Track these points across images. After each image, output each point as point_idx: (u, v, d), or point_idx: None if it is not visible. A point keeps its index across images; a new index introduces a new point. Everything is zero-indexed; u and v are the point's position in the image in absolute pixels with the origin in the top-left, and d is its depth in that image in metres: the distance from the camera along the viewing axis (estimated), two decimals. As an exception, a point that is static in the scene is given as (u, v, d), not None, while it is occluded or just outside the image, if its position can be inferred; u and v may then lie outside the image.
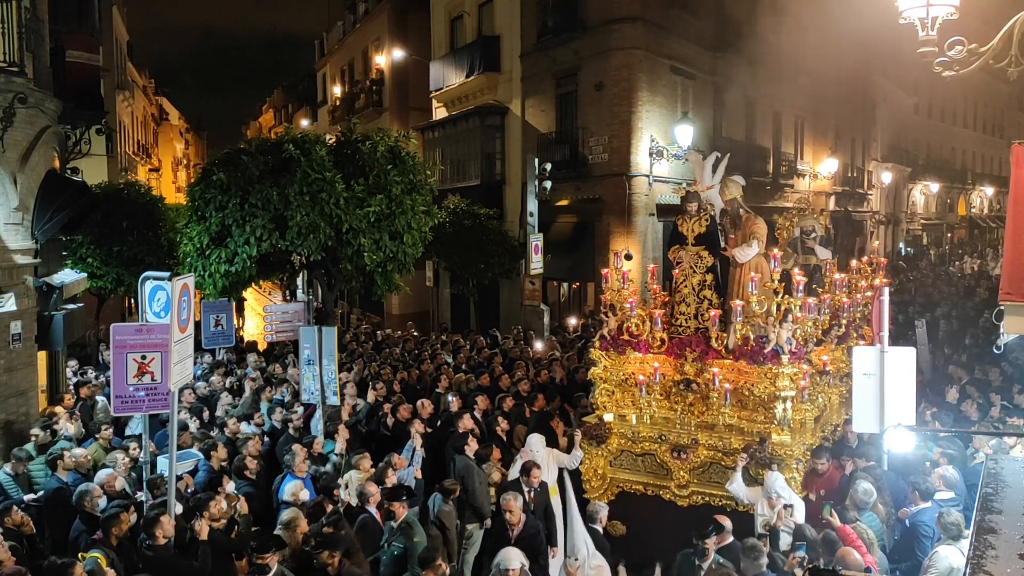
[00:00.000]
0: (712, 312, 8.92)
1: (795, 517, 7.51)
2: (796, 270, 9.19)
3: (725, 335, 8.77)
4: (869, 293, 11.13)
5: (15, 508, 7.55)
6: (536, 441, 9.20)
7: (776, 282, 8.57)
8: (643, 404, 9.05)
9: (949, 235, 52.72)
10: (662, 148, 21.84)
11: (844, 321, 10.05)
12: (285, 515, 7.57)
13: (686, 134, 21.50)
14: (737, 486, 8.14)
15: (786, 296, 8.56)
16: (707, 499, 8.65)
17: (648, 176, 21.61)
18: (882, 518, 7.91)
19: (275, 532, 7.43)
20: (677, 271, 9.58)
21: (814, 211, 11.57)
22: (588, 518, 7.82)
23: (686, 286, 9.40)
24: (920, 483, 7.72)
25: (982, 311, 19.41)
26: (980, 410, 10.93)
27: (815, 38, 30.75)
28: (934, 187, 49.88)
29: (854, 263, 11.63)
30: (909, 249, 45.46)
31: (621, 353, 9.29)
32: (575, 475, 9.30)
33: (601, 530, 7.87)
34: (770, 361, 8.31)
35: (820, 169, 33.40)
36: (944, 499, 7.61)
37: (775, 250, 9.10)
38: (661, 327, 9.19)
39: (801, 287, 8.50)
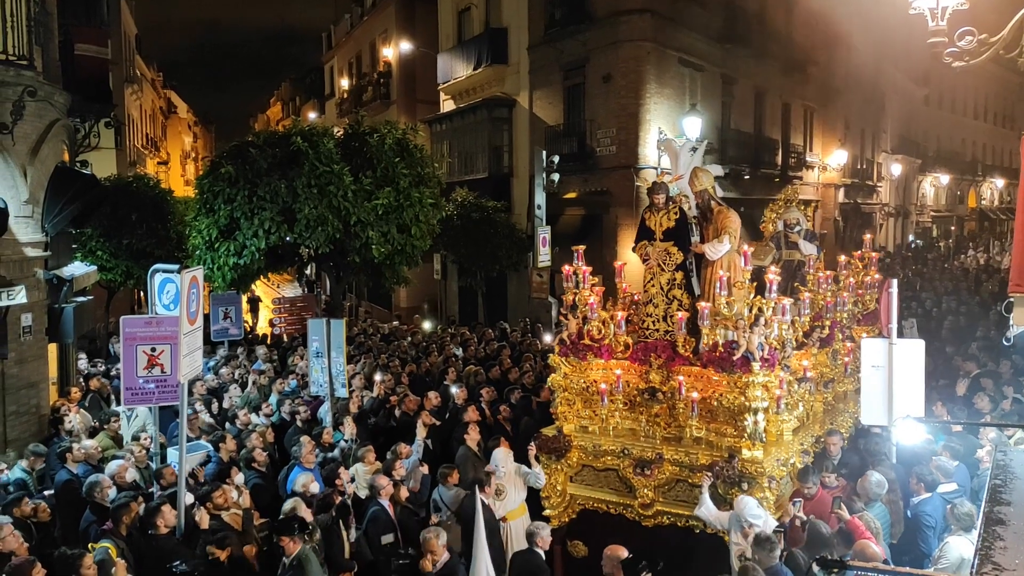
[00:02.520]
0: (679, 314, 8.15)
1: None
2: (773, 267, 8.50)
3: (693, 340, 8.04)
4: (860, 291, 10.42)
5: (26, 499, 7.61)
6: (501, 456, 8.59)
7: (747, 281, 7.89)
8: (604, 415, 8.25)
9: (953, 228, 52.34)
10: (670, 140, 21.74)
11: (828, 322, 9.19)
12: (286, 505, 7.58)
13: (694, 126, 21.37)
14: (706, 510, 7.36)
15: (758, 296, 7.82)
16: (673, 519, 7.92)
17: (656, 168, 21.52)
18: (898, 514, 7.88)
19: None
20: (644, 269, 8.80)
21: (799, 203, 10.71)
22: (527, 539, 7.21)
23: (654, 285, 8.60)
24: (925, 474, 7.70)
25: (990, 305, 19.27)
26: (991, 402, 10.87)
27: (824, 29, 30.62)
28: (944, 179, 49.62)
29: (842, 258, 10.73)
30: (918, 241, 45.23)
31: (582, 359, 8.47)
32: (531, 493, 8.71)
33: (542, 553, 7.21)
34: (740, 369, 7.49)
35: (829, 161, 33.26)
36: (948, 491, 7.60)
37: (746, 246, 8.43)
38: (624, 330, 8.42)
39: (774, 286, 7.72)
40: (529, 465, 8.55)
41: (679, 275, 8.50)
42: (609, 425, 8.25)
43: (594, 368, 8.43)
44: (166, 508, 7.11)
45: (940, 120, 49.50)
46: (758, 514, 6.78)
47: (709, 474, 7.43)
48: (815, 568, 4.74)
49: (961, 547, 6.43)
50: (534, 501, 8.74)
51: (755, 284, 7.94)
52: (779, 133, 29.12)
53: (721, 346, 7.68)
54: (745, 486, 7.26)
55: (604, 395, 8.15)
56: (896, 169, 41.60)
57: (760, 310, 7.68)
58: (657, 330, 8.53)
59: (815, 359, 8.80)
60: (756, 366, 7.41)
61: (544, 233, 20.14)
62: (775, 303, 7.73)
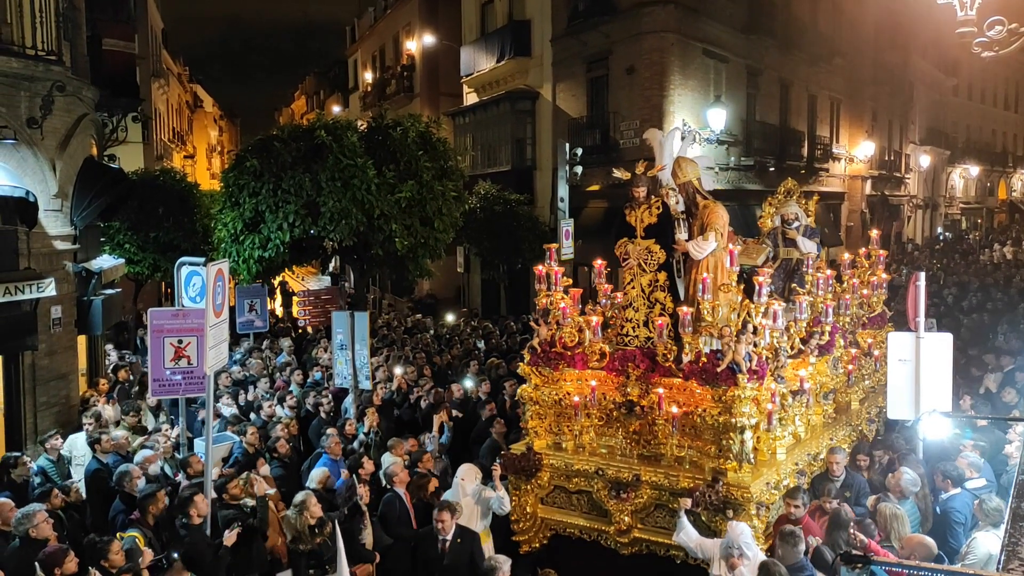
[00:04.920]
0: (659, 320, 7.32)
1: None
2: (765, 268, 7.75)
3: (676, 348, 7.21)
4: (866, 292, 9.61)
5: (55, 491, 7.73)
6: (468, 473, 7.84)
7: (734, 284, 7.14)
8: (578, 431, 7.48)
9: (980, 220, 51.52)
10: (694, 132, 21.61)
11: (827, 327, 8.27)
12: (297, 497, 7.53)
13: (719, 118, 21.27)
14: (685, 536, 6.57)
15: (745, 301, 7.04)
16: (653, 548, 7.12)
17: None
18: (927, 511, 7.78)
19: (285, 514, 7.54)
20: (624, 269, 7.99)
21: (800, 195, 9.67)
22: (486, 574, 6.46)
23: (634, 287, 7.79)
24: (950, 470, 7.62)
25: (1017, 302, 18.91)
26: (1020, 394, 10.75)
27: (851, 18, 30.27)
28: (974, 170, 48.90)
29: (846, 256, 9.86)
30: (947, 234, 44.63)
31: (554, 369, 7.65)
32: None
33: None
34: (725, 381, 6.68)
35: (856, 152, 32.88)
36: (976, 487, 7.52)
37: (734, 244, 7.71)
38: (601, 337, 7.61)
39: (764, 289, 6.97)
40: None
41: (662, 276, 7.74)
42: (582, 442, 7.52)
43: (567, 379, 7.64)
44: (199, 498, 7.17)
45: (969, 110, 48.78)
46: (751, 543, 6.13)
47: (687, 500, 6.67)
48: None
49: (989, 543, 6.35)
50: (504, 524, 7.98)
51: (743, 287, 7.24)
52: (805, 125, 28.81)
53: (704, 356, 6.93)
54: (730, 513, 6.57)
55: (578, 409, 7.38)
56: (924, 160, 41.06)
57: (748, 315, 6.91)
58: (637, 336, 7.75)
59: (813, 368, 8.02)
60: (743, 379, 6.65)
61: (567, 226, 20.10)
62: (765, 308, 7.00)
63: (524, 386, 7.96)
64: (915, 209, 41.78)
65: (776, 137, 26.37)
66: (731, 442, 6.74)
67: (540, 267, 7.96)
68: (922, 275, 8.83)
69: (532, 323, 8.09)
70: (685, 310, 7.09)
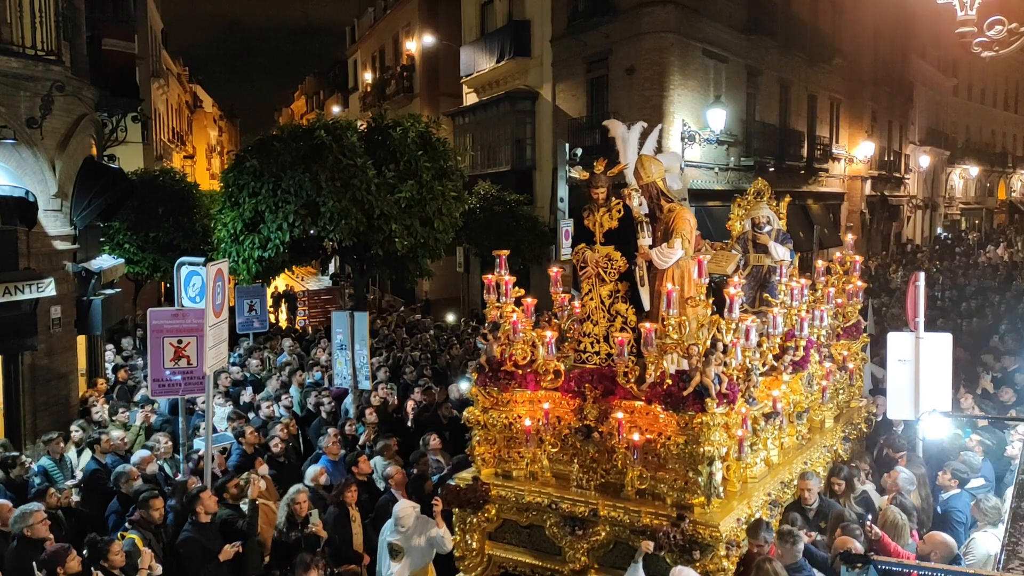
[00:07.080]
0: (620, 336, 6.44)
1: None
2: (736, 277, 6.94)
3: (639, 367, 6.38)
4: (840, 301, 8.79)
5: (51, 490, 7.72)
6: (405, 511, 7.21)
7: (702, 297, 6.46)
8: (529, 458, 6.75)
9: (977, 221, 51.46)
10: (694, 132, 21.65)
11: (802, 342, 7.46)
12: (291, 489, 7.61)
13: (718, 118, 21.28)
14: None
15: (715, 316, 6.36)
16: None
17: (680, 161, 21.40)
18: (928, 511, 7.77)
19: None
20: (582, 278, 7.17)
21: (771, 196, 8.82)
22: None
23: (593, 298, 7.02)
24: (960, 470, 7.62)
25: (1015, 305, 18.87)
26: (1019, 394, 10.77)
27: (851, 18, 30.30)
28: (973, 171, 48.91)
29: (820, 263, 9.10)
30: (947, 234, 44.61)
31: (504, 389, 6.83)
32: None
33: None
34: (691, 406, 5.92)
35: (856, 153, 32.89)
36: (974, 486, 7.53)
37: (702, 253, 6.99)
38: (556, 354, 6.79)
39: (736, 304, 6.22)
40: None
41: (623, 286, 6.94)
42: (534, 472, 6.80)
43: (518, 401, 6.85)
44: (206, 495, 7.15)
45: (969, 111, 48.81)
46: None
47: (649, 543, 5.85)
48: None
49: (988, 543, 6.36)
50: (449, 562, 7.35)
51: (712, 300, 6.58)
52: (805, 125, 28.84)
53: (669, 377, 6.17)
54: (697, 554, 5.79)
55: (529, 434, 6.63)
56: (924, 161, 41.06)
57: (718, 331, 6.15)
58: (597, 353, 6.96)
59: (787, 386, 7.27)
60: (711, 404, 5.88)
61: (567, 226, 20.06)
62: (736, 324, 6.22)
63: (471, 408, 7.14)
64: (915, 209, 41.79)
65: (776, 137, 26.40)
66: (698, 474, 6.03)
67: (489, 276, 7.19)
68: (922, 275, 8.85)
69: (480, 339, 7.26)
70: (648, 326, 6.26)
